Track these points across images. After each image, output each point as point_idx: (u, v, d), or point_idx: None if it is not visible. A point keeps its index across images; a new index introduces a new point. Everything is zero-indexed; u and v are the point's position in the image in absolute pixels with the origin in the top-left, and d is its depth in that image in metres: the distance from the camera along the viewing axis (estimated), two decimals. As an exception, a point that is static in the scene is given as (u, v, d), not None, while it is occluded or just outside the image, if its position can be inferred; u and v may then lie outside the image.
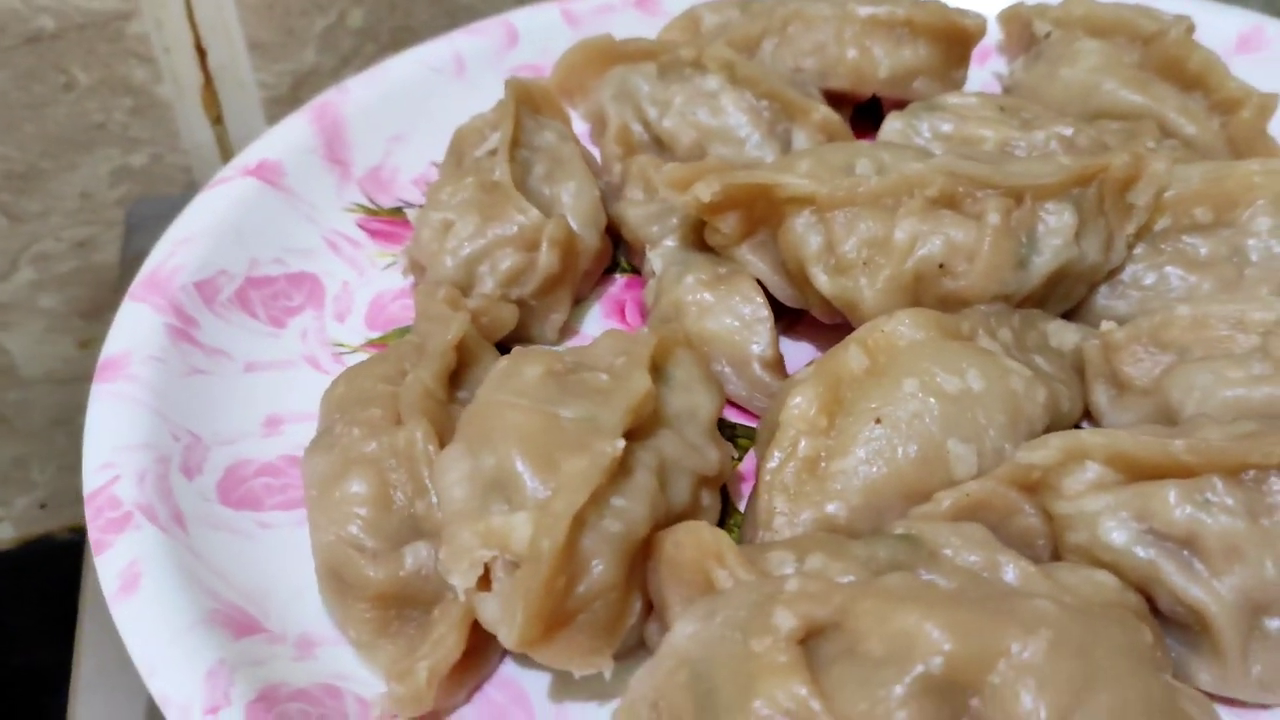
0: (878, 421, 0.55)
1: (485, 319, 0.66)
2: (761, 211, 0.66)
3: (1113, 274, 0.66)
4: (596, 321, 0.73)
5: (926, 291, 0.63)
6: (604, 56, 0.85)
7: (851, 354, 0.58)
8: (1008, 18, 0.89)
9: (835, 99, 0.84)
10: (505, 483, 0.49)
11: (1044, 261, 0.62)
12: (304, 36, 0.98)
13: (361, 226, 0.78)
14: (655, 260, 0.71)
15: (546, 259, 0.68)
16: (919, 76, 0.83)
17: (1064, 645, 0.40)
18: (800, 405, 0.56)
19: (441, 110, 0.84)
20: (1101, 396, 0.62)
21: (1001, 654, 0.40)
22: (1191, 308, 0.61)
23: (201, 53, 0.97)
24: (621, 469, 0.50)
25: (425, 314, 0.65)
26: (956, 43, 0.83)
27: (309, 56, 0.99)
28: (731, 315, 0.67)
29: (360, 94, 0.83)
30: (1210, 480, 0.50)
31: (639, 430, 0.53)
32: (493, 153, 0.72)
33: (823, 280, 0.64)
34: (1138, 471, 0.52)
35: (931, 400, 0.55)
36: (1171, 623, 0.51)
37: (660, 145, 0.80)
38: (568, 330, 0.72)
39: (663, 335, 0.59)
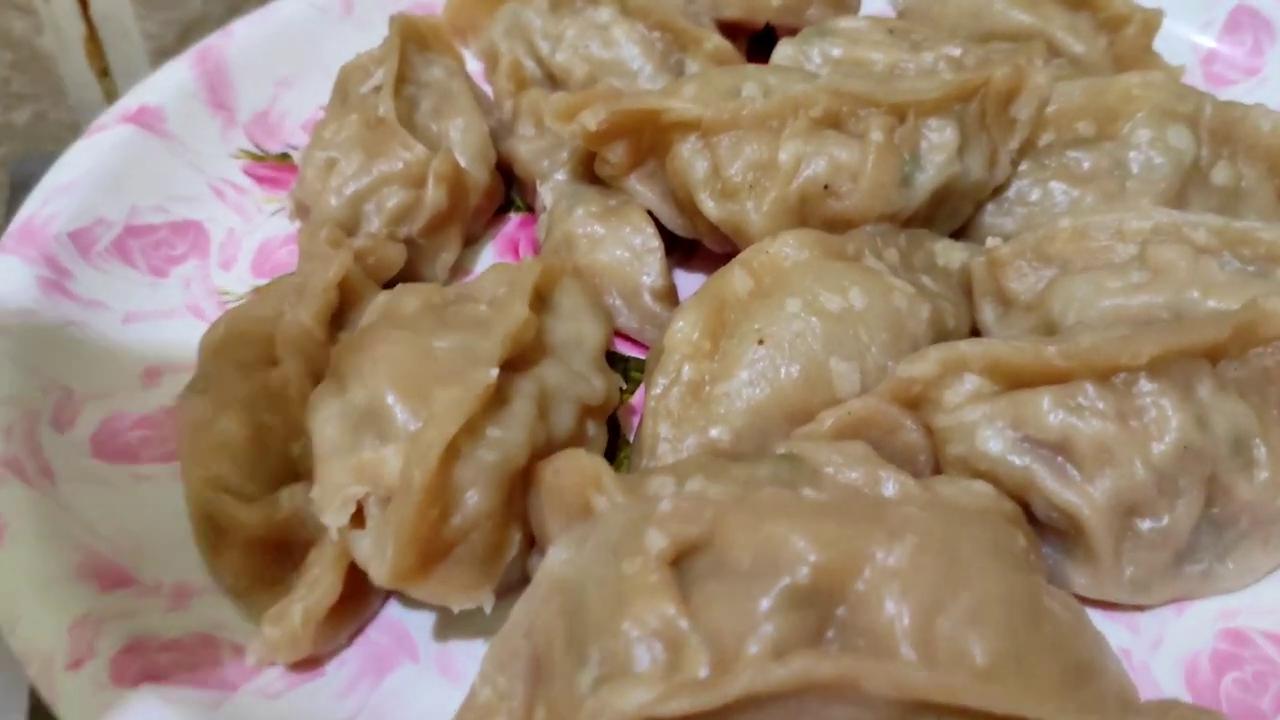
0: (760, 342, 0.55)
1: (371, 258, 0.65)
2: (649, 140, 0.65)
3: (998, 191, 0.66)
4: (489, 261, 0.72)
5: (813, 213, 0.62)
6: (495, -9, 0.83)
7: (735, 276, 0.57)
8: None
9: (730, 29, 0.84)
10: (377, 417, 0.48)
11: (928, 179, 0.62)
12: (188, -17, 0.95)
13: (248, 173, 0.76)
14: (546, 194, 0.70)
15: (434, 195, 0.66)
16: (813, 4, 0.82)
17: (928, 549, 0.41)
18: (683, 329, 0.56)
19: (330, 52, 0.82)
20: (988, 313, 0.63)
21: (866, 560, 0.41)
22: (1072, 220, 0.61)
23: (84, 2, 0.94)
24: (498, 398, 0.50)
25: (307, 254, 0.63)
26: None
27: (195, 4, 0.96)
28: (622, 246, 0.66)
29: (245, 37, 0.81)
30: (1082, 385, 0.50)
31: (519, 360, 0.52)
32: (378, 89, 0.70)
33: (710, 206, 0.63)
34: (1015, 380, 0.52)
35: (814, 319, 0.55)
36: (1049, 530, 0.52)
37: (554, 80, 0.79)
38: (459, 270, 0.71)
39: (547, 264, 0.58)
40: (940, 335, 0.59)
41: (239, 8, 0.95)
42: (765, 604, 0.40)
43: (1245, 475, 0.50)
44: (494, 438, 0.48)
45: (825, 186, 0.61)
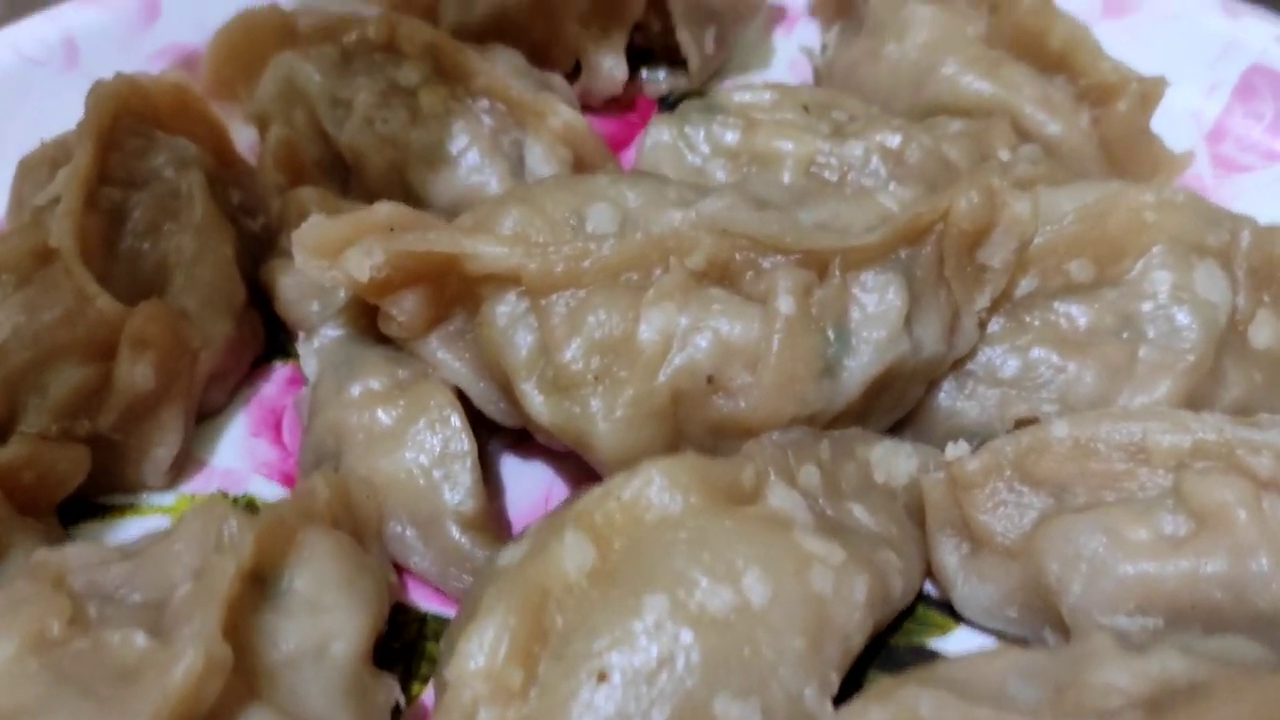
0: (602, 677, 0.34)
1: (29, 476, 0.42)
2: (454, 288, 0.44)
3: (960, 362, 0.46)
4: (237, 446, 0.50)
5: (692, 418, 0.42)
6: (273, 35, 0.61)
7: (568, 548, 0.36)
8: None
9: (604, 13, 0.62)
10: None
11: (862, 366, 0.42)
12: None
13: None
14: (308, 360, 0.48)
15: (130, 374, 0.44)
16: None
17: None
18: (478, 653, 0.34)
19: (44, 116, 0.59)
20: (949, 555, 0.43)
21: None
22: (1071, 427, 0.41)
23: None
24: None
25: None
26: None
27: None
28: (415, 448, 0.44)
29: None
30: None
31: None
32: (56, 201, 0.48)
33: (537, 402, 0.42)
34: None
35: (687, 633, 0.35)
36: None
37: (344, 166, 0.57)
38: (189, 464, 0.49)
39: (265, 526, 0.37)
40: (885, 613, 0.40)
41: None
42: None
43: None
44: None
45: (709, 379, 0.41)
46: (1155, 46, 0.65)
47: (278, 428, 0.51)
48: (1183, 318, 0.45)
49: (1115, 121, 0.57)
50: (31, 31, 0.62)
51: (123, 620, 0.34)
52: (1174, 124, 0.63)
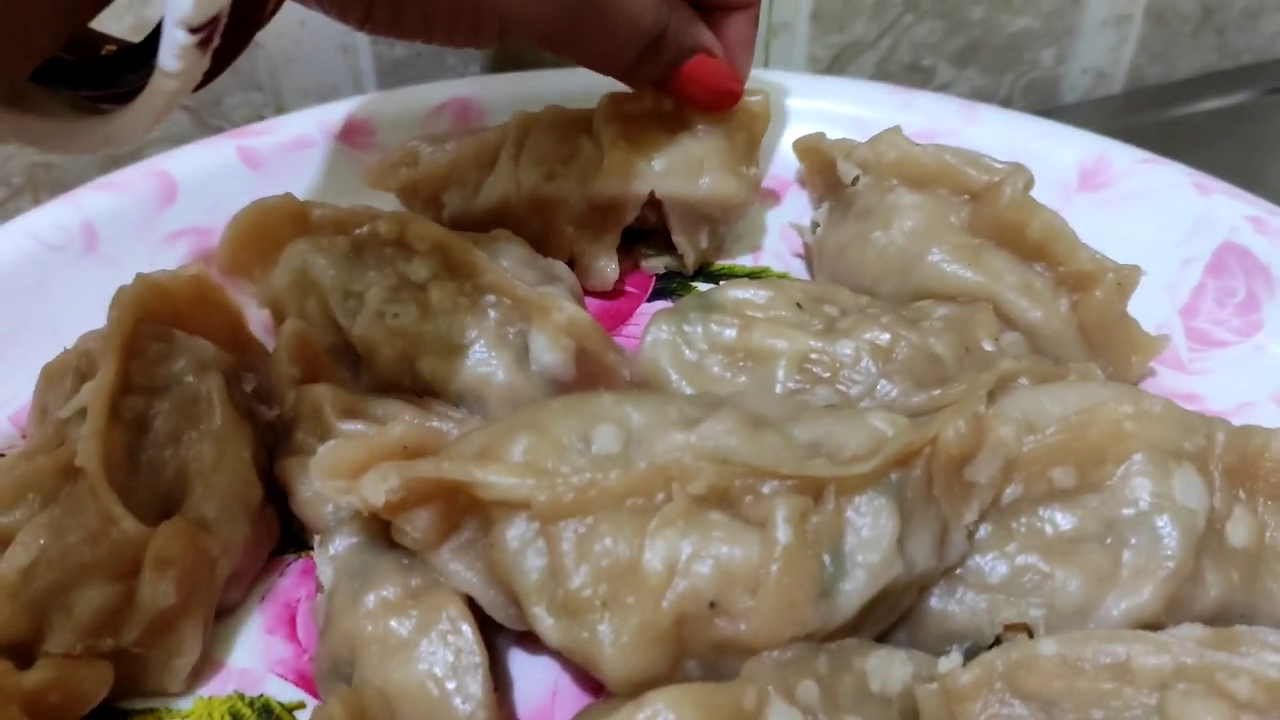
0: None
1: (55, 697, 0.44)
2: (465, 504, 0.46)
3: (950, 567, 0.48)
4: (254, 645, 0.51)
5: (695, 639, 0.44)
6: (287, 222, 0.63)
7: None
8: (805, 150, 0.71)
9: (599, 218, 0.65)
10: None
11: (857, 588, 0.44)
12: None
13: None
14: (324, 568, 0.50)
15: (153, 593, 0.46)
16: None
17: None
18: None
19: (64, 300, 0.62)
20: (944, 764, 0.44)
21: None
22: (1060, 645, 0.43)
23: None
24: None
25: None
26: (740, 129, 0.66)
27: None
28: (428, 659, 0.46)
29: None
30: None
31: None
32: (81, 413, 0.50)
33: (547, 625, 0.44)
34: None
35: None
36: None
37: (355, 353, 0.60)
38: (206, 667, 0.50)
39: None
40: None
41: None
42: None
43: None
44: None
45: (712, 604, 0.43)
46: (1129, 221, 0.68)
47: (292, 623, 0.52)
48: (1163, 524, 0.47)
49: (1093, 307, 0.60)
50: (51, 218, 0.65)
51: None
52: (1149, 298, 0.65)
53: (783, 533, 0.43)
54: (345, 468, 0.46)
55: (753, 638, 0.43)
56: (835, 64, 0.97)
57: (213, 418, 0.52)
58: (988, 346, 0.57)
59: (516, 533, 0.44)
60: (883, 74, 0.99)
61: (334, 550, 0.50)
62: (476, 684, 0.46)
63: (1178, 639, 0.43)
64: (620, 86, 0.65)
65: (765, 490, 0.44)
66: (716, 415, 0.47)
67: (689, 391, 0.55)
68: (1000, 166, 0.62)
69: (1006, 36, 1.02)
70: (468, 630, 0.46)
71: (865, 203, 0.65)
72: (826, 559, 0.43)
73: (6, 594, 0.45)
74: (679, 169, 0.65)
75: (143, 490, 0.49)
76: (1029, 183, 0.61)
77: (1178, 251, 0.67)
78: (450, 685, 0.46)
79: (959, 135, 0.73)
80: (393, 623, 0.47)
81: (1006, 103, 1.04)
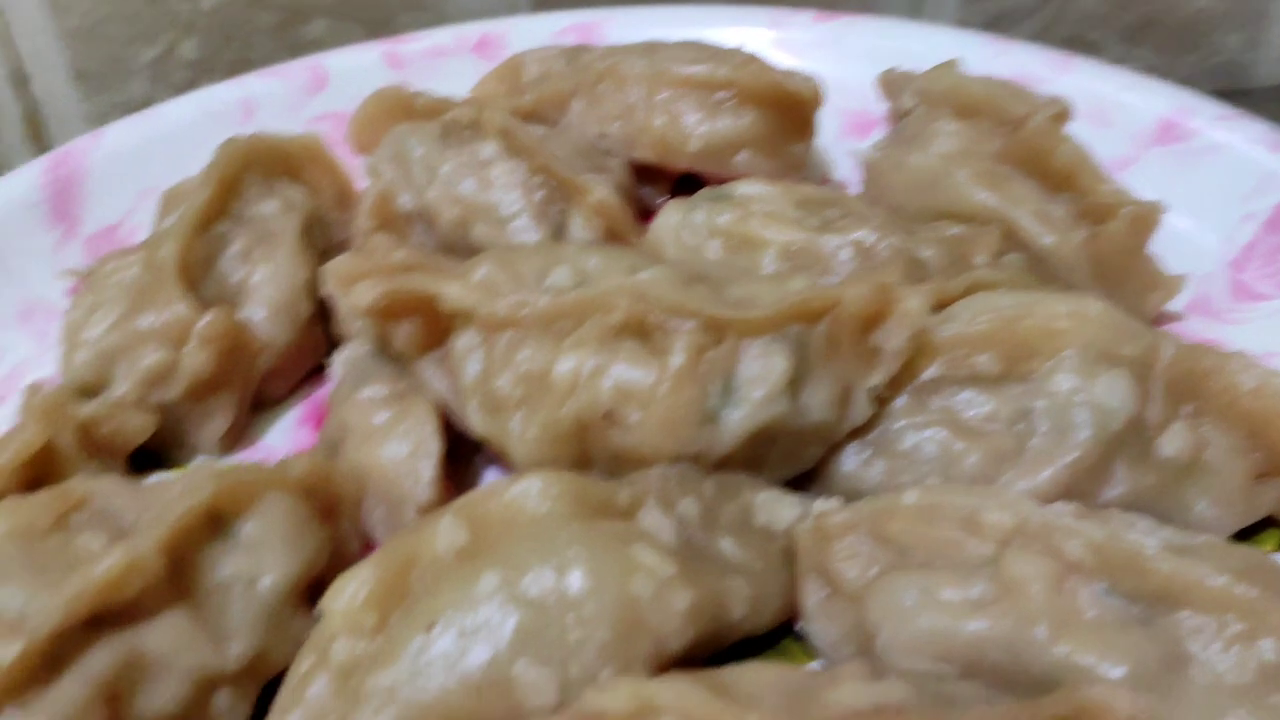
0: (430, 627, 0.42)
1: (106, 428, 0.55)
2: (444, 323, 0.54)
3: (865, 429, 0.51)
4: (286, 430, 0.61)
5: (595, 446, 0.49)
6: (396, 110, 0.74)
7: (442, 529, 0.45)
8: (886, 82, 0.74)
9: (650, 172, 0.72)
10: None
11: (741, 418, 0.48)
12: (132, 66, 0.90)
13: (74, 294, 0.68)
14: (336, 365, 0.59)
15: (192, 359, 0.57)
16: (743, 150, 0.69)
17: None
18: (347, 594, 0.43)
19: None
20: (810, 596, 0.48)
21: None
22: (920, 495, 0.46)
23: (23, 80, 0.89)
24: (42, 673, 0.39)
25: (25, 415, 0.54)
26: (789, 111, 0.69)
27: (138, 88, 0.91)
28: (396, 445, 0.54)
29: (115, 141, 0.74)
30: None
31: (115, 614, 0.42)
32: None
33: (475, 418, 0.51)
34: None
35: (508, 606, 0.42)
36: None
37: (426, 219, 0.69)
38: (243, 439, 0.61)
39: (231, 480, 0.47)
40: (718, 628, 0.45)
41: (186, 91, 0.89)
42: None
43: None
44: (7, 733, 0.38)
45: (606, 414, 0.48)
46: (1198, 174, 0.68)
47: (319, 421, 0.62)
48: (1077, 417, 0.49)
49: (1106, 239, 0.60)
50: (216, 94, 0.78)
51: (101, 530, 0.45)
52: (1201, 248, 0.65)
53: (676, 359, 0.48)
54: (350, 276, 0.54)
55: (639, 448, 0.48)
56: (989, 30, 0.98)
57: (280, 246, 0.62)
58: (980, 260, 0.59)
59: (465, 342, 0.52)
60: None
61: (346, 353, 0.59)
62: (429, 470, 0.53)
63: (1033, 503, 0.44)
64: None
65: (672, 327, 0.49)
66: (659, 266, 0.52)
67: (685, 269, 0.60)
68: (1040, 99, 0.64)
69: (1186, 16, 0.99)
70: (429, 428, 0.54)
71: (913, 129, 0.68)
72: (715, 388, 0.48)
73: (86, 344, 0.57)
74: (717, 149, 0.70)
75: (209, 290, 0.60)
76: (1061, 114, 0.63)
77: (1240, 207, 0.66)
78: (406, 468, 0.54)
79: (1049, 83, 0.74)
80: (374, 416, 0.55)
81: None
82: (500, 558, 0.43)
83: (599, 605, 0.42)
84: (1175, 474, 0.50)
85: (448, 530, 0.45)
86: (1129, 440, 0.49)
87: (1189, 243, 0.65)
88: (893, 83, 0.73)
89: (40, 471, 0.51)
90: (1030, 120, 0.62)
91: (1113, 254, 0.60)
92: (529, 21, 0.84)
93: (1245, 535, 0.52)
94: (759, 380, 0.48)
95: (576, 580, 0.43)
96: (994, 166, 0.64)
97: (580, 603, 0.42)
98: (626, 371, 0.48)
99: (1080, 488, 0.48)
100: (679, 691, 0.37)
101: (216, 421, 0.59)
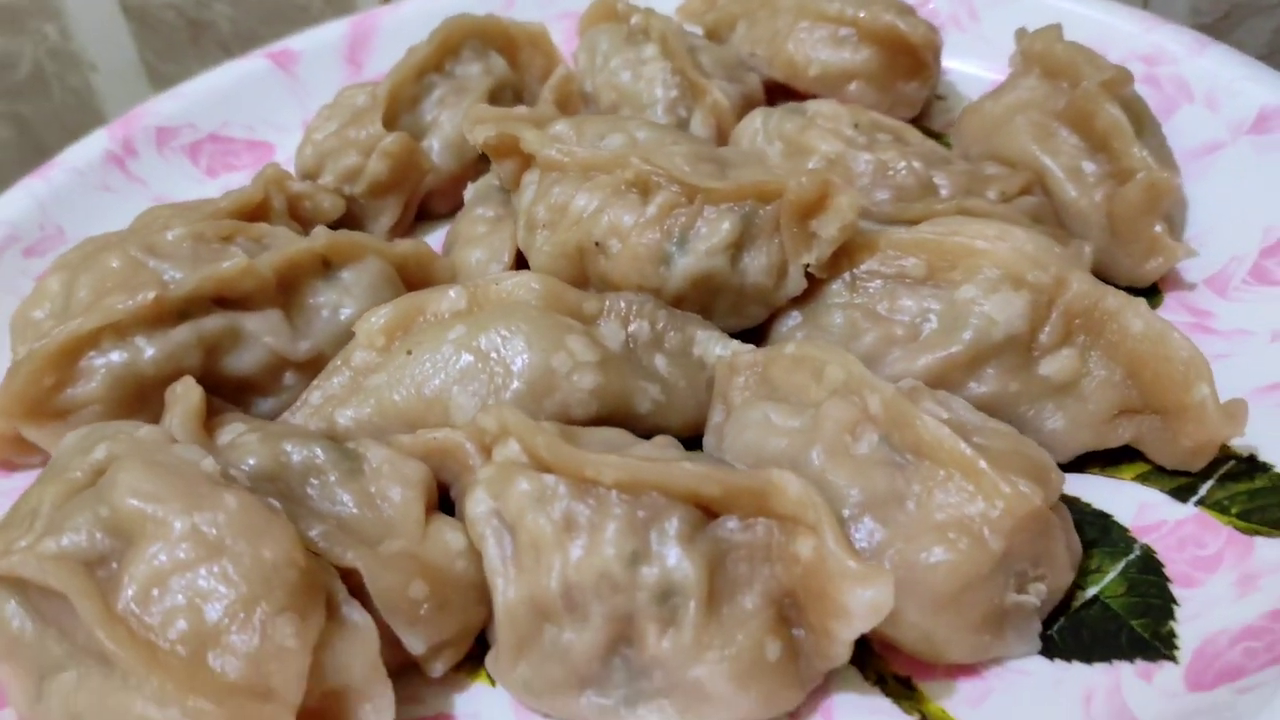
0: (408, 353, 0.60)
1: (308, 202, 0.77)
2: (529, 163, 0.71)
3: (801, 302, 0.63)
4: (438, 236, 0.81)
5: (590, 267, 0.64)
6: (608, 12, 0.90)
7: (451, 293, 0.62)
8: (1018, 36, 0.80)
9: (785, 90, 0.84)
10: (71, 302, 0.62)
11: (687, 264, 0.61)
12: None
13: (345, 118, 0.91)
14: (468, 190, 0.77)
15: (374, 165, 0.77)
16: (854, 80, 0.80)
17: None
18: (374, 321, 0.62)
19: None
20: (716, 415, 0.61)
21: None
22: (796, 347, 0.58)
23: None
24: (167, 318, 0.61)
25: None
26: (903, 52, 0.79)
27: None
28: (483, 250, 0.72)
29: (406, 11, 0.96)
30: (559, 481, 0.50)
31: (232, 301, 0.63)
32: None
33: (521, 233, 0.68)
34: (539, 463, 0.52)
35: (461, 350, 0.59)
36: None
37: (594, 101, 0.85)
38: (408, 236, 0.81)
39: (341, 239, 0.67)
40: (616, 409, 0.59)
41: None
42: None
43: (659, 628, 0.47)
44: (138, 346, 0.60)
45: (597, 243, 0.63)
46: (1272, 165, 0.70)
47: (465, 236, 0.81)
48: (964, 323, 0.58)
49: (1120, 200, 0.66)
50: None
51: (252, 250, 0.66)
52: (1240, 231, 0.69)
53: (650, 210, 0.62)
54: (478, 117, 0.72)
55: (613, 274, 0.63)
56: (1222, 23, 0.99)
57: (468, 98, 0.81)
58: (990, 196, 0.67)
59: (529, 177, 0.68)
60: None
61: (479, 183, 0.77)
62: (495, 270, 0.71)
63: (854, 362, 0.55)
64: None
65: (665, 187, 0.63)
66: (686, 144, 0.66)
67: (749, 164, 0.73)
68: (1109, 66, 0.69)
69: None
70: (508, 243, 0.71)
71: (1006, 82, 0.75)
72: (675, 236, 0.61)
73: (313, 143, 0.79)
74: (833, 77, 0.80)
75: (407, 122, 0.80)
76: (1118, 82, 0.68)
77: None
78: (478, 269, 0.71)
79: (1180, 64, 0.78)
80: (477, 228, 0.73)
81: None
82: (474, 320, 0.60)
83: (522, 365, 0.58)
84: (1044, 390, 0.58)
85: (453, 296, 0.62)
86: (1007, 351, 0.58)
87: (1242, 226, 0.69)
88: (1017, 41, 0.80)
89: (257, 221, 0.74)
90: (1083, 84, 0.68)
91: (1125, 215, 0.66)
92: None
93: (1110, 463, 0.59)
94: (707, 237, 0.61)
95: (515, 345, 0.59)
96: (1047, 121, 0.70)
97: (510, 360, 0.58)
98: (619, 214, 0.63)
99: (949, 378, 0.58)
100: (532, 427, 0.53)
101: (385, 217, 0.79)
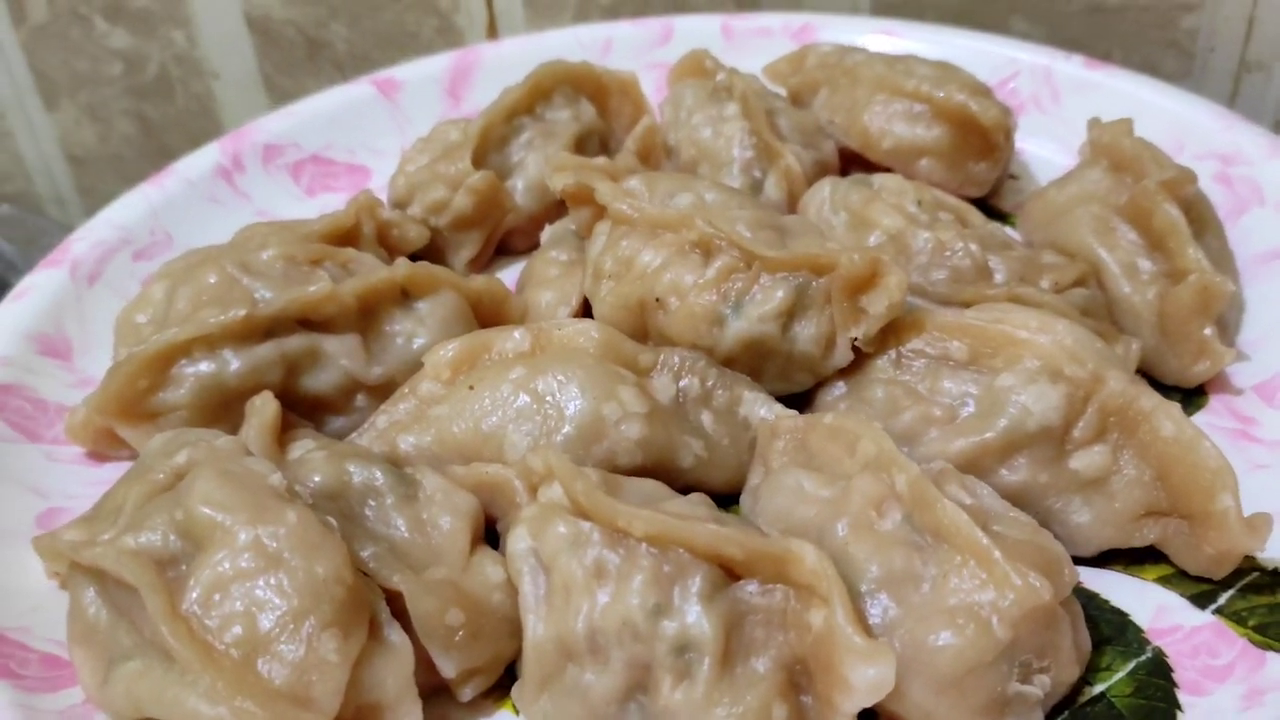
0: (471, 388, 0.64)
1: (395, 230, 0.82)
2: (602, 214, 0.74)
3: (848, 374, 0.66)
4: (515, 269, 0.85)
5: (649, 319, 0.68)
6: (696, 68, 0.94)
7: (515, 334, 0.66)
8: (1090, 125, 0.82)
9: (858, 159, 0.86)
10: (170, 311, 0.67)
11: (739, 328, 0.64)
12: (564, 4, 1.17)
13: (440, 148, 0.96)
14: (546, 232, 0.81)
15: (460, 200, 0.82)
16: (925, 157, 0.82)
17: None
18: (443, 353, 0.66)
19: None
20: (755, 476, 0.64)
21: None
22: (834, 419, 0.60)
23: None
24: (254, 334, 0.66)
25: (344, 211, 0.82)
26: (974, 132, 0.81)
27: (565, 19, 1.18)
28: (551, 292, 0.76)
29: (507, 50, 1.01)
30: (591, 531, 0.53)
31: (316, 324, 0.68)
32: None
33: (587, 280, 0.71)
34: (578, 509, 0.55)
35: (519, 390, 0.63)
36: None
37: (674, 155, 0.89)
38: (485, 270, 0.85)
39: (421, 271, 0.71)
40: (661, 460, 0.62)
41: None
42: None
43: (674, 680, 0.50)
44: (225, 358, 0.65)
45: (657, 299, 0.67)
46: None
47: (541, 274, 0.85)
48: (1000, 411, 0.60)
49: (1171, 300, 0.67)
50: (590, 31, 1.02)
51: (339, 275, 0.71)
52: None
53: (710, 272, 0.65)
54: (558, 165, 0.76)
55: (669, 329, 0.66)
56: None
57: (554, 142, 0.86)
58: (1044, 285, 0.69)
59: (600, 228, 0.72)
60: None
61: (556, 226, 0.81)
62: (561, 315, 0.74)
63: (891, 443, 0.57)
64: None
65: (725, 251, 0.66)
66: (750, 210, 0.69)
67: (815, 231, 0.76)
68: (1173, 166, 0.71)
69: None
70: (577, 289, 0.75)
71: (1074, 172, 0.77)
72: (730, 301, 0.65)
73: (406, 174, 0.84)
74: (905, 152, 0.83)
75: (494, 161, 0.85)
76: (1179, 182, 0.70)
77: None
78: (547, 311, 0.75)
79: (1255, 165, 0.79)
80: (550, 270, 0.77)
81: None
82: (534, 362, 0.64)
83: (574, 410, 0.62)
84: (1074, 484, 0.60)
85: (517, 337, 0.66)
86: (1040, 442, 0.60)
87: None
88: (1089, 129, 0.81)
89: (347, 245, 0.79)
90: (1144, 183, 0.70)
91: (1175, 315, 0.68)
92: (843, 20, 1.00)
93: (1133, 562, 0.60)
94: (760, 303, 0.64)
95: (569, 391, 0.62)
96: (1108, 215, 0.72)
97: (564, 404, 0.62)
98: (681, 273, 0.66)
99: (981, 463, 0.60)
100: (574, 472, 0.56)
101: (466, 250, 0.84)
